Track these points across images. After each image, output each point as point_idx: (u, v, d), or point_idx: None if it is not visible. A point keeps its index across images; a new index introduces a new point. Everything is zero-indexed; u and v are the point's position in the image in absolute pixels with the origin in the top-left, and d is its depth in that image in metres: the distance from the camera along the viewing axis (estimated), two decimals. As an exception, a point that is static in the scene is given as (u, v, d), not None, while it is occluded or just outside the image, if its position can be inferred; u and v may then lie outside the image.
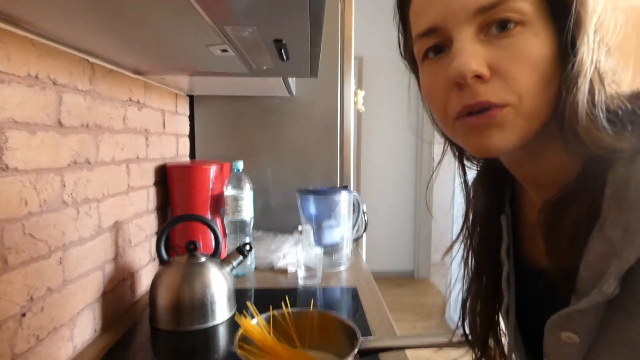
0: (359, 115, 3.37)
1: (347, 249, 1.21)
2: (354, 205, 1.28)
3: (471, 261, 0.55)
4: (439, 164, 0.55)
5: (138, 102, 0.93)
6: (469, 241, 0.55)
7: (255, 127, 1.40)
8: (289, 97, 1.38)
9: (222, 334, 0.79)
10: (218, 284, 0.81)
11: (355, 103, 1.61)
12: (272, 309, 0.64)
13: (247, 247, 0.88)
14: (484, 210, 0.54)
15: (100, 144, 0.76)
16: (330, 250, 1.19)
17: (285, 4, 0.45)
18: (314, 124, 1.41)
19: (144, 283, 0.97)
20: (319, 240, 1.19)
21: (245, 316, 0.60)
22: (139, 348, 0.73)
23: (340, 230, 1.19)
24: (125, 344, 0.74)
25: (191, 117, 1.35)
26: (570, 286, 0.37)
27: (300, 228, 1.24)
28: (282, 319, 0.63)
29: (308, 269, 1.05)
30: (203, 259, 0.83)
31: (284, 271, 1.14)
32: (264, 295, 0.98)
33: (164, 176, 1.09)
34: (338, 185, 1.45)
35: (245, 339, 0.57)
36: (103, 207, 0.78)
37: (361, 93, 1.57)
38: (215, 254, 0.86)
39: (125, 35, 0.61)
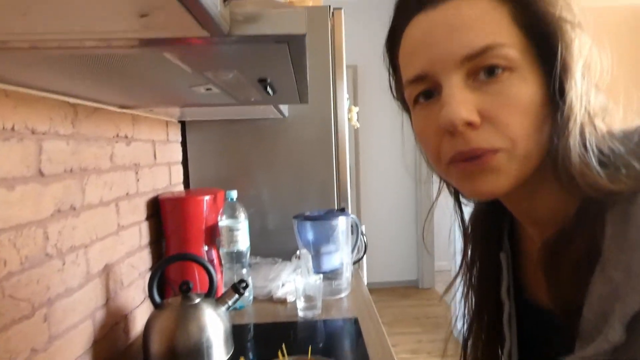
0: (355, 130, 3.35)
1: (347, 273, 1.18)
2: (352, 227, 1.25)
3: (471, 298, 0.54)
4: (434, 202, 0.54)
5: (126, 136, 0.91)
6: (468, 278, 0.54)
7: (250, 150, 1.38)
8: (281, 119, 1.36)
9: (220, 379, 0.76)
10: (214, 327, 0.78)
11: (350, 120, 1.59)
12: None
13: (243, 285, 0.85)
14: (482, 247, 0.53)
15: (87, 187, 0.74)
16: (330, 276, 1.16)
17: (264, 52, 0.43)
18: (308, 144, 1.39)
19: (138, 323, 0.94)
20: (318, 267, 1.16)
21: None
22: (132, 400, 0.70)
23: (340, 255, 1.17)
24: (118, 395, 0.71)
25: (184, 143, 1.33)
26: (575, 327, 0.36)
27: (298, 253, 1.22)
28: (279, 369, 0.60)
29: (307, 298, 1.02)
30: (197, 300, 0.80)
31: (283, 301, 1.11)
32: (263, 331, 0.95)
33: (157, 208, 1.06)
34: (336, 205, 1.42)
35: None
36: (92, 252, 0.75)
37: (355, 109, 1.55)
38: (210, 294, 0.83)
39: (105, 81, 0.59)
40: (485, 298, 0.52)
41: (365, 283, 1.57)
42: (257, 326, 0.97)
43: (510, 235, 0.52)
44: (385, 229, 3.57)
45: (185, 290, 0.81)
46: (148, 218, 1.02)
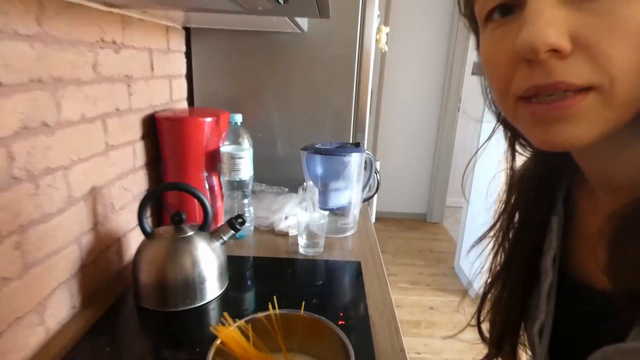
0: (382, 54, 3.06)
1: (355, 211, 1.11)
2: (365, 163, 1.15)
3: (500, 255, 0.48)
4: (485, 143, 0.46)
5: (114, 42, 0.78)
6: (502, 233, 0.48)
7: (261, 67, 1.23)
8: (300, 34, 1.18)
9: (213, 314, 0.73)
10: (206, 261, 0.74)
11: (378, 41, 1.40)
12: (260, 309, 0.57)
13: (240, 220, 0.79)
14: (529, 204, 0.46)
15: (62, 100, 0.64)
16: (337, 213, 1.10)
17: None
18: (328, 66, 1.23)
19: (133, 246, 0.90)
20: (324, 203, 1.09)
21: (224, 324, 0.52)
22: (122, 328, 0.68)
23: (349, 193, 1.09)
24: (107, 322, 0.68)
25: (188, 54, 1.19)
26: (634, 315, 0.30)
27: (305, 185, 1.14)
28: (268, 321, 0.55)
29: (310, 235, 0.97)
30: (190, 233, 0.75)
31: (284, 235, 1.06)
32: (261, 266, 0.91)
33: (154, 126, 0.97)
34: (351, 138, 1.31)
35: (222, 353, 0.50)
36: (73, 175, 0.68)
37: (385, 29, 1.35)
38: (204, 227, 0.77)
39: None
40: (518, 260, 0.46)
41: (374, 217, 1.51)
42: (255, 260, 0.94)
43: (565, 201, 0.44)
44: (400, 159, 3.47)
45: (177, 221, 0.75)
46: (144, 137, 0.93)
